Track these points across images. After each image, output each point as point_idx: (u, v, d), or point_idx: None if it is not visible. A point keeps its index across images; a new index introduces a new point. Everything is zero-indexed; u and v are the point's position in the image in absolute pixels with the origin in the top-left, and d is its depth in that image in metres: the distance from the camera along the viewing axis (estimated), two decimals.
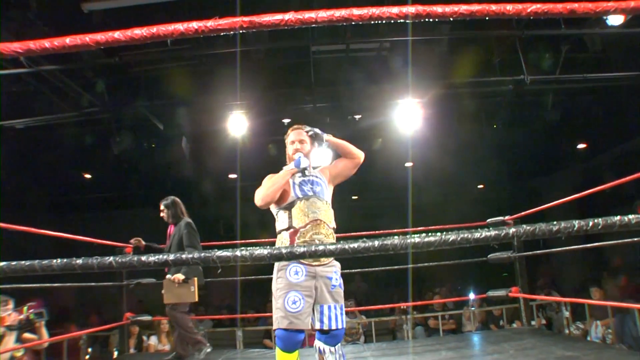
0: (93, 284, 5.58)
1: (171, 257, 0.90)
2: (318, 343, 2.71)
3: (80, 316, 10.70)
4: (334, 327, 2.63)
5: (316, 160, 2.98)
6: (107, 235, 5.15)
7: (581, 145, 10.19)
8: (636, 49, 6.20)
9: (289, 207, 2.70)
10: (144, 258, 0.91)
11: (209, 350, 4.30)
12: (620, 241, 4.91)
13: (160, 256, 0.91)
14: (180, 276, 4.28)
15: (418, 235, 0.86)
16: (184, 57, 6.10)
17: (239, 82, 5.92)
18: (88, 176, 10.01)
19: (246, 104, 6.53)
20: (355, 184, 11.07)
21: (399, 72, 6.35)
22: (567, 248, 5.50)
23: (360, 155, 2.91)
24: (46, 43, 0.92)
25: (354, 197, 12.81)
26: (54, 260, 0.95)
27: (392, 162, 9.13)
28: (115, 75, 6.27)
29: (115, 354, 6.56)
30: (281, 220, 2.72)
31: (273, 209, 2.77)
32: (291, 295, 2.56)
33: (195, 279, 4.43)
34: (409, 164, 9.53)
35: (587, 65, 6.39)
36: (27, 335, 4.23)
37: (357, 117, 6.85)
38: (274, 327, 2.59)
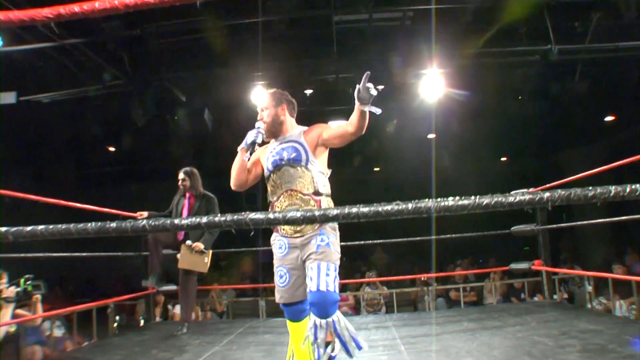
0: (119, 254, 5.74)
1: (204, 220, 0.91)
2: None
3: (107, 286, 11.03)
4: (312, 288, 2.33)
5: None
6: (130, 207, 5.24)
7: (609, 118, 9.92)
8: None
9: (267, 181, 2.61)
10: (177, 221, 0.92)
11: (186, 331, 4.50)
12: None
13: (194, 219, 0.92)
14: (200, 245, 4.40)
15: (452, 198, 0.85)
16: (205, 29, 6.07)
17: (261, 53, 5.88)
18: (112, 149, 10.16)
19: (268, 75, 6.50)
20: (377, 155, 11.03)
21: (422, 42, 6.23)
22: (591, 222, 5.44)
23: (360, 134, 2.52)
24: (75, 7, 0.93)
25: (375, 169, 12.77)
26: (89, 224, 0.97)
27: (416, 134, 9.06)
28: (138, 48, 6.29)
29: (142, 322, 6.77)
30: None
31: None
32: (278, 270, 2.53)
33: (211, 251, 4.55)
34: (431, 136, 9.43)
35: (620, 34, 6.14)
36: (19, 311, 4.14)
37: (380, 87, 6.76)
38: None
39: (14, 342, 4.18)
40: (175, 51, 6.31)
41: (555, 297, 5.42)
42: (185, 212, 4.66)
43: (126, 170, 11.34)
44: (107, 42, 6.07)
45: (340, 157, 8.94)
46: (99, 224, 0.96)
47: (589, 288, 6.75)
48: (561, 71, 6.80)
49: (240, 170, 2.62)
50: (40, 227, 0.92)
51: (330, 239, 2.47)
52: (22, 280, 4.01)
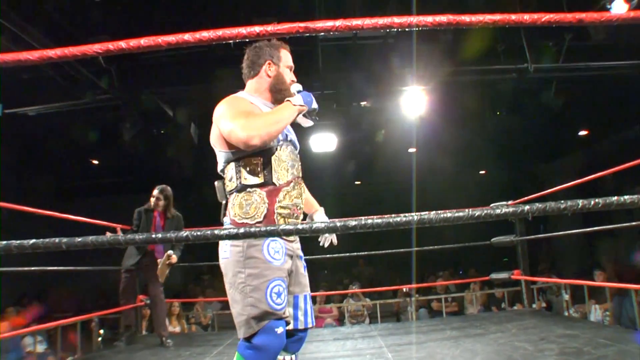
0: (108, 267, 5.73)
1: (242, 230, 1.03)
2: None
3: (88, 300, 10.92)
4: (310, 325, 1.98)
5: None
6: (115, 220, 5.27)
7: (583, 132, 10.31)
8: (638, 38, 6.29)
9: (265, 154, 1.90)
10: (217, 231, 1.03)
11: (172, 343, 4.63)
12: (616, 226, 5.10)
13: (231, 230, 1.04)
14: (176, 258, 4.55)
15: (449, 211, 1.00)
16: (194, 45, 6.19)
17: None
18: (95, 162, 10.15)
19: None
20: (358, 168, 11.23)
21: (404, 59, 6.45)
22: (567, 232, 5.70)
23: None
24: (122, 44, 1.05)
25: (357, 183, 12.97)
26: (119, 236, 1.08)
27: (396, 148, 9.27)
28: (127, 62, 6.37)
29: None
30: (249, 171, 1.90)
31: (225, 152, 1.95)
32: (275, 284, 1.79)
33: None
34: (412, 150, 9.65)
35: (590, 54, 6.47)
36: None
37: (363, 103, 6.96)
38: (245, 334, 1.78)
39: None
40: (163, 65, 6.41)
41: (534, 305, 5.61)
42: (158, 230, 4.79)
43: (111, 183, 11.33)
44: (96, 56, 6.14)
45: (321, 170, 9.13)
46: (146, 234, 1.07)
47: (566, 296, 6.99)
48: (538, 88, 7.10)
49: (284, 127, 1.88)
50: (91, 237, 1.02)
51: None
52: None
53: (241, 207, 1.88)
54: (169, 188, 4.85)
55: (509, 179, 12.49)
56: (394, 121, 7.67)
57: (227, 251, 1.85)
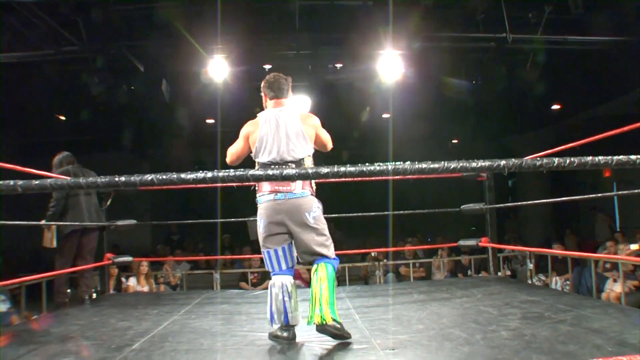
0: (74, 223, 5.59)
1: (209, 174, 0.97)
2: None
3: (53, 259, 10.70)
4: None
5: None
6: None
7: (555, 107, 10.41)
8: (616, 15, 6.30)
9: None
10: (183, 175, 0.97)
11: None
12: (580, 197, 5.22)
13: (200, 173, 0.98)
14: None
15: (425, 162, 0.97)
16: None
17: (222, 26, 5.84)
18: (62, 118, 9.79)
19: (228, 48, 6.45)
20: (332, 132, 11.12)
21: (382, 23, 6.32)
22: (534, 202, 5.82)
23: None
24: None
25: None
26: (99, 178, 1.02)
27: (371, 112, 9.20)
28: (96, 13, 6.06)
29: (94, 295, 6.67)
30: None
31: (312, 148, 3.08)
32: None
33: (54, 227, 4.71)
34: (387, 115, 9.59)
35: (568, 28, 6.46)
36: None
37: (339, 65, 6.84)
38: (334, 253, 3.15)
39: None
40: (134, 19, 6.14)
41: (499, 273, 5.75)
42: None
43: (78, 140, 10.96)
44: (60, 5, 5.81)
45: None
46: (108, 177, 1.02)
47: (530, 266, 7.21)
48: (514, 59, 7.09)
49: None
50: (50, 180, 0.95)
51: None
52: None
53: (315, 184, 3.08)
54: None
55: (481, 148, 12.60)
56: (370, 85, 7.58)
57: (316, 211, 2.99)
